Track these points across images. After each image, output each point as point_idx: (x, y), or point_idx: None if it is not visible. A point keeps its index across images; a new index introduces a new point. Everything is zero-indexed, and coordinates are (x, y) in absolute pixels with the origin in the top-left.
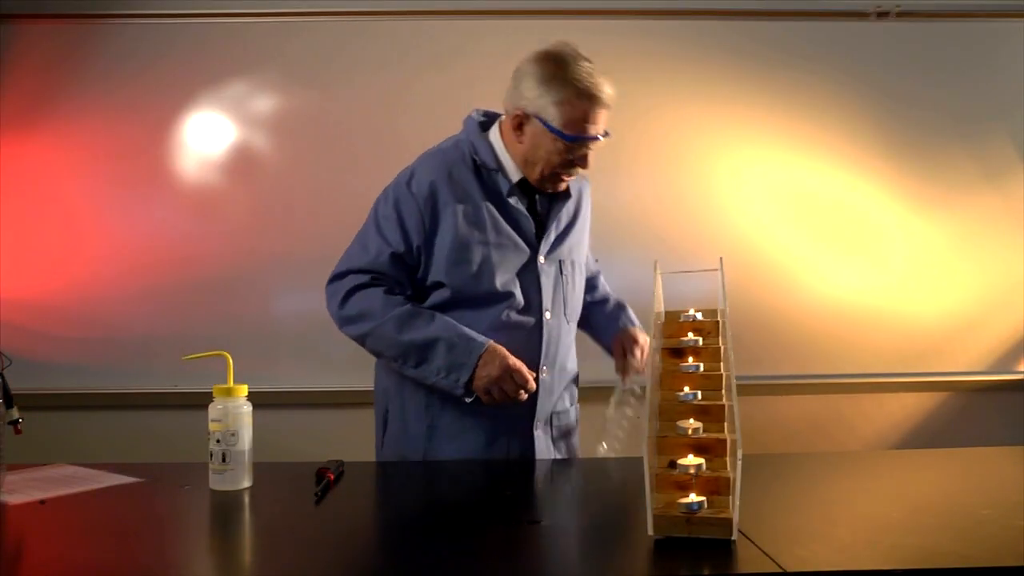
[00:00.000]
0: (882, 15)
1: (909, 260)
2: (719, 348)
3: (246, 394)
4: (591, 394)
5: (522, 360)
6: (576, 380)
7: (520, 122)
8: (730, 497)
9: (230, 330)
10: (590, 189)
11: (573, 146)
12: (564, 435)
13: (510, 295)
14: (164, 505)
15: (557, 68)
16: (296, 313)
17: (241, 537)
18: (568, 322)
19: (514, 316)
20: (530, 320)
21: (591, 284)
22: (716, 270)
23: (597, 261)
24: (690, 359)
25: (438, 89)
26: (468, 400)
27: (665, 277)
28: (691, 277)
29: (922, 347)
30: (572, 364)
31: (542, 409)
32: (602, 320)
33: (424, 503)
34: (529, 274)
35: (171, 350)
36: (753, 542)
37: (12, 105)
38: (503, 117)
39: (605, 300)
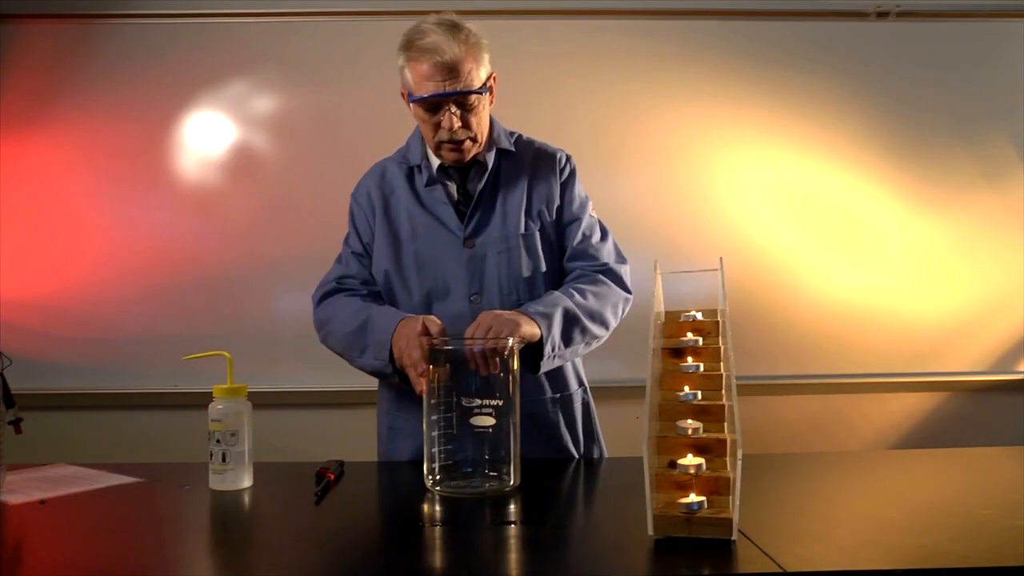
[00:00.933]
0: (882, 15)
1: (909, 260)
2: (719, 348)
3: (246, 394)
4: (600, 394)
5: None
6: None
7: (406, 102)
8: (730, 497)
9: (230, 330)
10: (560, 155)
11: (431, 109)
12: (538, 426)
13: (424, 282)
14: (164, 505)
15: (407, 34)
16: (296, 313)
17: (241, 537)
18: (510, 305)
19: (441, 303)
20: (456, 306)
21: (576, 253)
22: (716, 270)
23: (588, 236)
24: (690, 359)
25: None
26: (398, 380)
27: (665, 277)
28: (691, 277)
29: (922, 347)
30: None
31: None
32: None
33: (424, 503)
34: (455, 261)
35: (171, 350)
36: (753, 542)
37: (12, 105)
38: None
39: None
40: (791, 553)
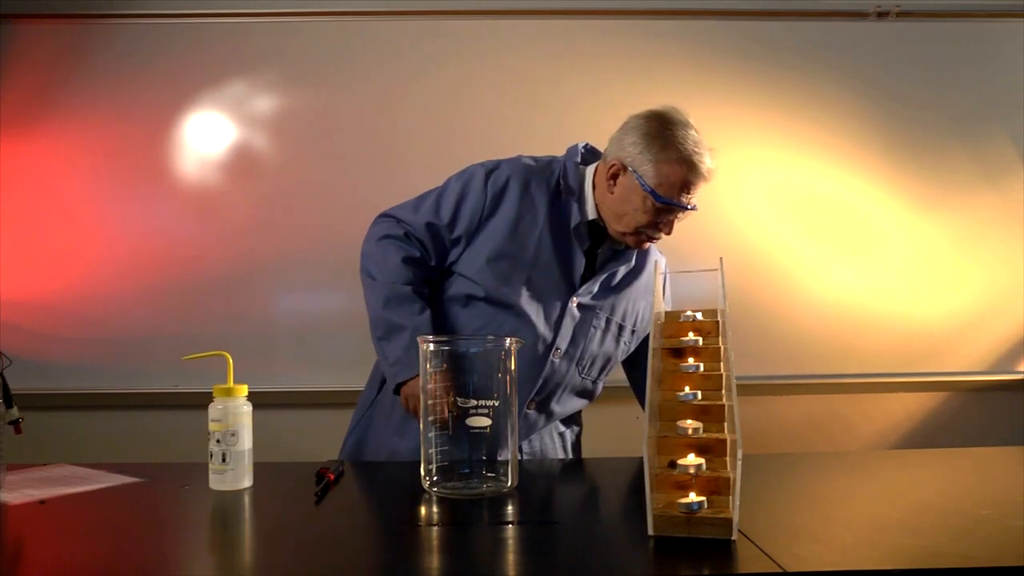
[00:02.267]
0: (882, 15)
1: (909, 260)
2: (719, 348)
3: (246, 394)
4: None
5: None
6: (574, 431)
7: (616, 172)
8: (730, 497)
9: (230, 330)
10: (664, 265)
11: (661, 209)
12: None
13: (525, 316)
14: (164, 505)
15: (663, 128)
16: (296, 313)
17: (241, 537)
18: (580, 375)
19: (525, 340)
20: (537, 352)
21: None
22: (716, 270)
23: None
24: (690, 359)
25: (438, 89)
26: (396, 395)
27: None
28: (691, 277)
29: (922, 347)
30: (563, 410)
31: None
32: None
33: (424, 503)
34: (556, 311)
35: (171, 350)
36: (753, 542)
37: (12, 105)
38: (600, 163)
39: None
40: (791, 553)
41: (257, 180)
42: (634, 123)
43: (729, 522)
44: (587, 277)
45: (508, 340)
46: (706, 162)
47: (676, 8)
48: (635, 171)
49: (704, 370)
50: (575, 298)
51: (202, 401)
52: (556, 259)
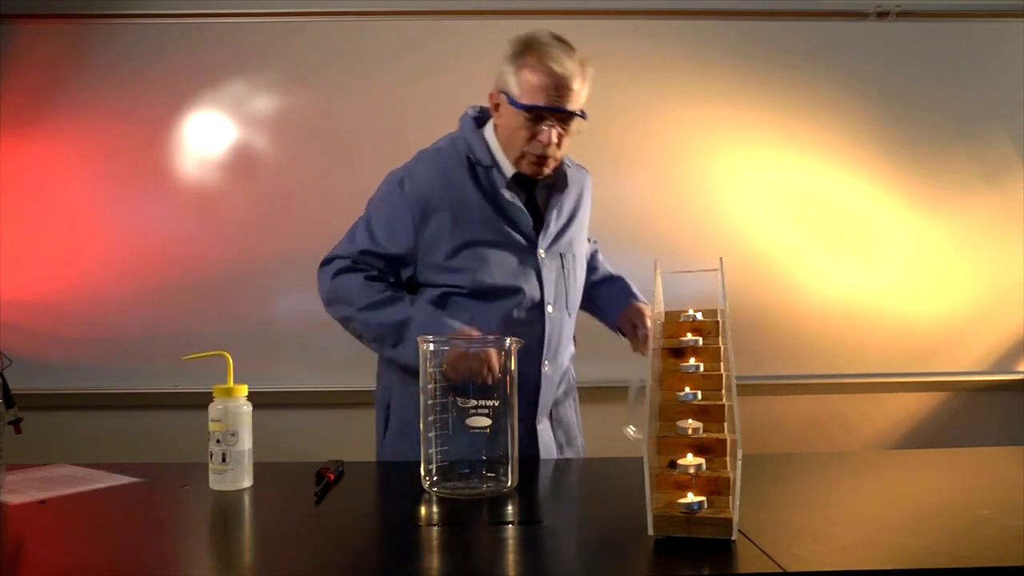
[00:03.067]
0: (882, 15)
1: (909, 260)
2: (719, 348)
3: (246, 394)
4: (596, 395)
5: (526, 354)
6: (569, 373)
7: (496, 102)
8: (730, 497)
9: (230, 330)
10: (591, 182)
11: (533, 119)
12: (565, 429)
13: (515, 290)
14: (164, 505)
15: (522, 43)
16: (296, 313)
17: (241, 537)
18: (569, 315)
19: (520, 311)
20: (533, 314)
21: (591, 265)
22: (716, 270)
23: (595, 241)
24: (690, 359)
25: (438, 89)
26: (400, 361)
27: (665, 277)
28: (691, 277)
29: (922, 347)
30: (567, 358)
31: (544, 403)
32: (609, 298)
33: (423, 503)
34: (530, 268)
35: (171, 350)
36: (753, 542)
37: (12, 105)
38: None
39: (608, 278)
40: (791, 553)
41: (257, 180)
42: (505, 50)
43: (729, 522)
44: (539, 229)
45: (508, 340)
46: (565, 63)
47: (676, 8)
48: (504, 91)
49: (704, 370)
50: (540, 251)
51: (202, 401)
52: (506, 225)
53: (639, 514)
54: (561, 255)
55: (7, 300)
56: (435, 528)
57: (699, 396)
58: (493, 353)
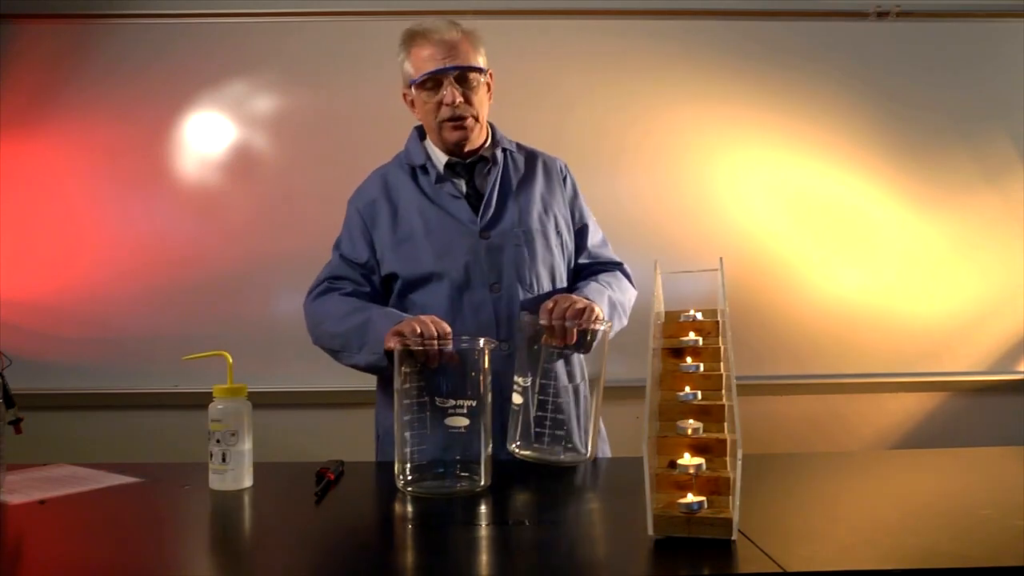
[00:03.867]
0: (882, 15)
1: (909, 260)
2: (719, 348)
3: (246, 394)
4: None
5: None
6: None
7: (410, 99)
8: (730, 497)
9: (230, 330)
10: (560, 163)
11: (432, 91)
12: (571, 409)
13: (446, 274)
14: (164, 505)
15: (405, 34)
16: (297, 313)
17: (241, 537)
18: (528, 294)
19: (462, 294)
20: (480, 296)
21: (579, 245)
22: (716, 270)
23: (583, 223)
24: (690, 359)
25: None
26: (383, 365)
27: (665, 277)
28: (691, 277)
29: (922, 347)
30: None
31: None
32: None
33: (424, 502)
34: (472, 251)
35: (171, 350)
36: (753, 542)
37: (12, 105)
38: None
39: (591, 276)
40: (791, 553)
41: (257, 180)
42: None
43: (729, 522)
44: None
45: (482, 340)
46: (440, 29)
47: (676, 8)
48: (407, 83)
49: (704, 370)
50: (480, 231)
51: (202, 401)
52: (443, 214)
53: (639, 514)
54: (512, 232)
55: (7, 300)
56: (436, 528)
57: (699, 396)
58: (429, 319)
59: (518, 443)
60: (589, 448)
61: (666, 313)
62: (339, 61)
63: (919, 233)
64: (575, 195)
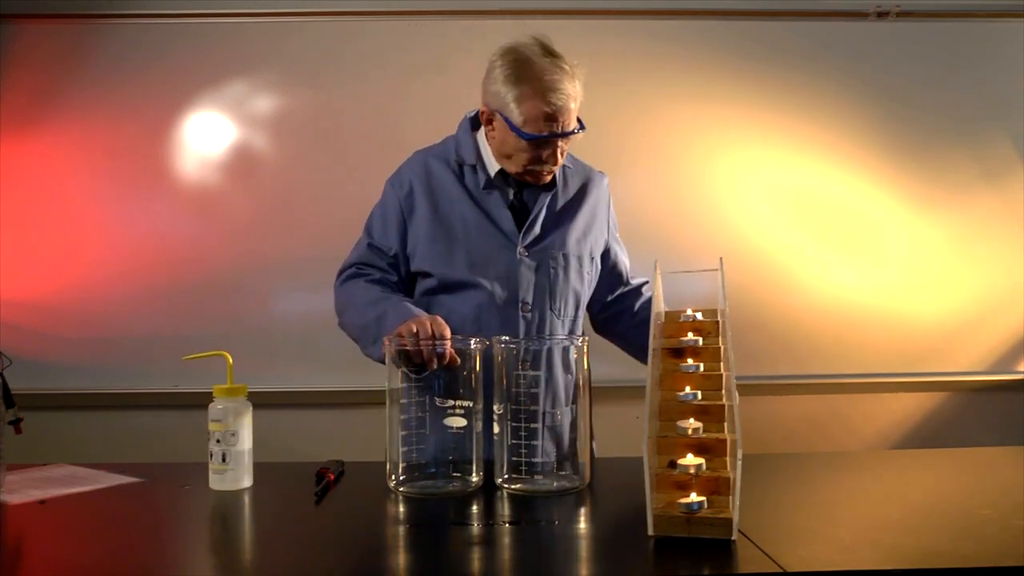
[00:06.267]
0: (882, 15)
1: (909, 260)
2: (719, 348)
3: (246, 394)
4: (606, 393)
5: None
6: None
7: (488, 118)
8: (730, 497)
9: (230, 330)
10: (606, 182)
11: (537, 144)
12: (556, 436)
13: (481, 287)
14: (164, 505)
15: (518, 65)
16: (296, 313)
17: (241, 537)
18: (557, 318)
19: (491, 309)
20: (507, 312)
21: (615, 271)
22: (716, 270)
23: (615, 248)
24: (690, 359)
25: (438, 89)
26: (376, 356)
27: (665, 277)
28: (691, 277)
29: (922, 347)
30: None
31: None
32: (630, 330)
33: (424, 503)
34: (508, 266)
35: (171, 350)
36: (753, 542)
37: (12, 105)
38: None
39: (632, 310)
40: (791, 553)
41: (257, 180)
42: (494, 62)
43: (729, 522)
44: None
45: (473, 340)
46: (564, 89)
47: (676, 8)
48: (501, 113)
49: (704, 370)
50: (520, 249)
51: (202, 401)
52: (486, 221)
53: (639, 514)
54: (549, 255)
55: (7, 300)
56: (436, 528)
57: (699, 396)
58: (430, 321)
59: (505, 477)
60: (582, 473)
61: (666, 313)
62: (339, 61)
63: (919, 233)
64: (611, 212)
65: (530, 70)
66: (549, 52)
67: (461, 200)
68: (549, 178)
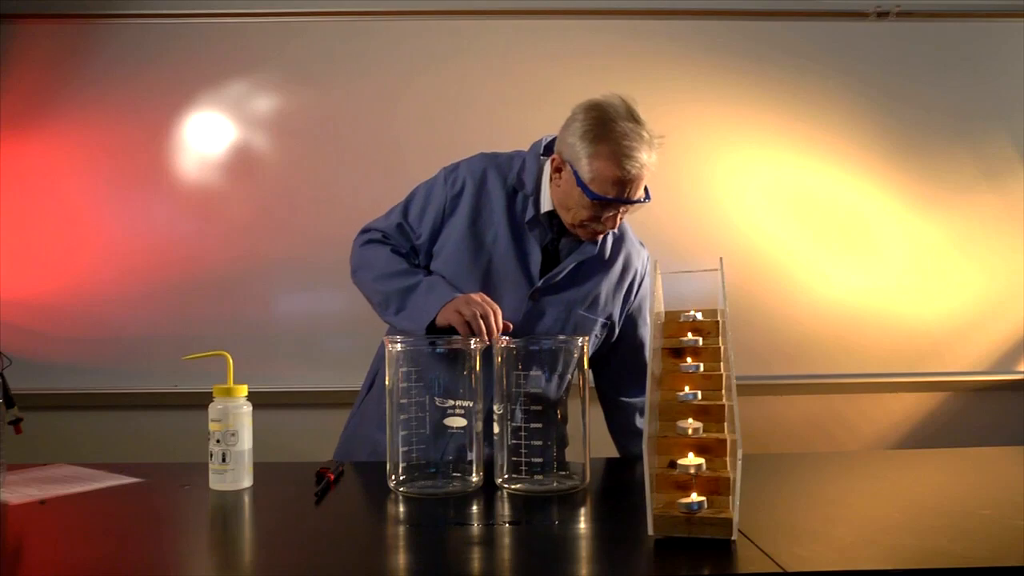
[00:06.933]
0: (882, 15)
1: (909, 260)
2: (719, 348)
3: (246, 394)
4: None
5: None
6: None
7: (558, 166)
8: (730, 497)
9: (230, 330)
10: (645, 255)
11: (599, 204)
12: (555, 436)
13: None
14: (164, 505)
15: (598, 122)
16: (296, 313)
17: (241, 537)
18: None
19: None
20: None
21: (626, 376)
22: (716, 270)
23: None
24: (690, 359)
25: (437, 89)
26: (398, 324)
27: (665, 277)
28: (691, 277)
29: (922, 347)
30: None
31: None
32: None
33: (424, 503)
34: (516, 304)
35: (171, 350)
36: (753, 542)
37: (12, 105)
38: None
39: (628, 410)
40: (791, 553)
41: (257, 180)
42: (575, 114)
43: (729, 522)
44: (552, 270)
45: (473, 341)
46: (639, 158)
47: (676, 8)
48: (572, 165)
49: (704, 370)
50: (534, 291)
51: (202, 401)
52: (514, 251)
53: (639, 514)
54: (562, 307)
55: (7, 300)
56: (436, 528)
57: (699, 396)
58: (481, 299)
59: (504, 477)
60: (582, 473)
61: (666, 313)
62: (339, 61)
63: (919, 233)
64: (640, 305)
65: (610, 131)
66: (633, 117)
67: (501, 223)
68: (598, 238)
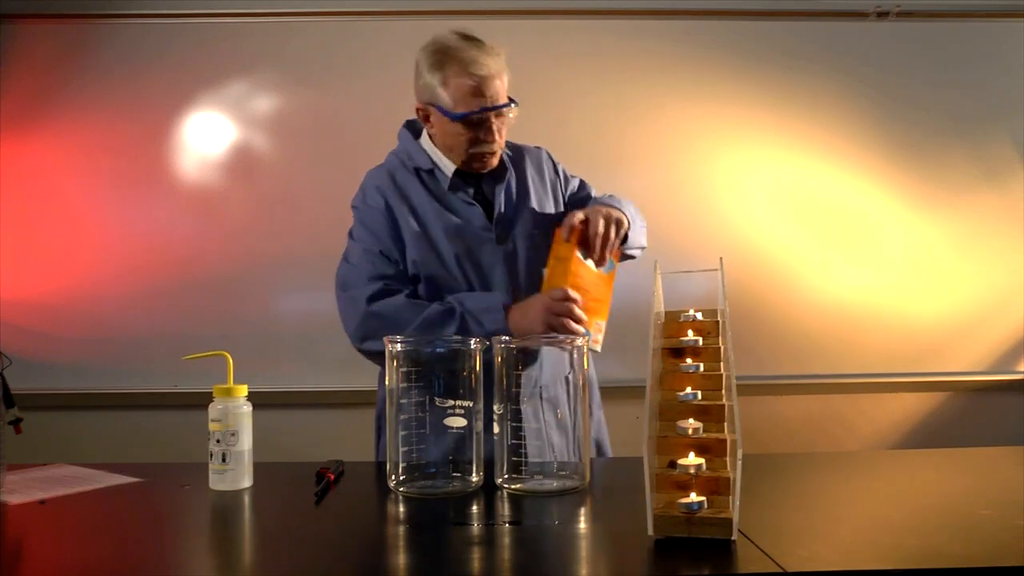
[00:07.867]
0: (882, 15)
1: (909, 260)
2: (719, 348)
3: (246, 394)
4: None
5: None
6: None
7: (425, 114)
8: (730, 497)
9: (230, 330)
10: (544, 153)
11: (472, 123)
12: (554, 407)
13: (466, 280)
14: (164, 505)
15: (438, 52)
16: (296, 313)
17: (241, 537)
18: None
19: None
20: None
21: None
22: (716, 270)
23: (581, 186)
24: (690, 359)
25: None
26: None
27: (665, 277)
28: (691, 277)
29: (922, 347)
30: None
31: (526, 386)
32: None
33: (424, 503)
34: (492, 258)
35: (171, 350)
36: (753, 542)
37: (12, 105)
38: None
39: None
40: (791, 553)
41: (257, 180)
42: (417, 61)
43: (729, 522)
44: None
45: (473, 341)
46: (485, 62)
47: (676, 8)
48: (433, 103)
49: (704, 370)
50: (495, 237)
51: (202, 401)
52: (462, 220)
53: (639, 514)
54: (530, 233)
55: (7, 300)
56: (436, 528)
57: (699, 396)
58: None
59: (504, 477)
60: (582, 473)
61: (666, 313)
62: (339, 61)
63: (919, 233)
64: (567, 176)
65: (450, 54)
66: (466, 37)
67: (432, 204)
68: (495, 161)
